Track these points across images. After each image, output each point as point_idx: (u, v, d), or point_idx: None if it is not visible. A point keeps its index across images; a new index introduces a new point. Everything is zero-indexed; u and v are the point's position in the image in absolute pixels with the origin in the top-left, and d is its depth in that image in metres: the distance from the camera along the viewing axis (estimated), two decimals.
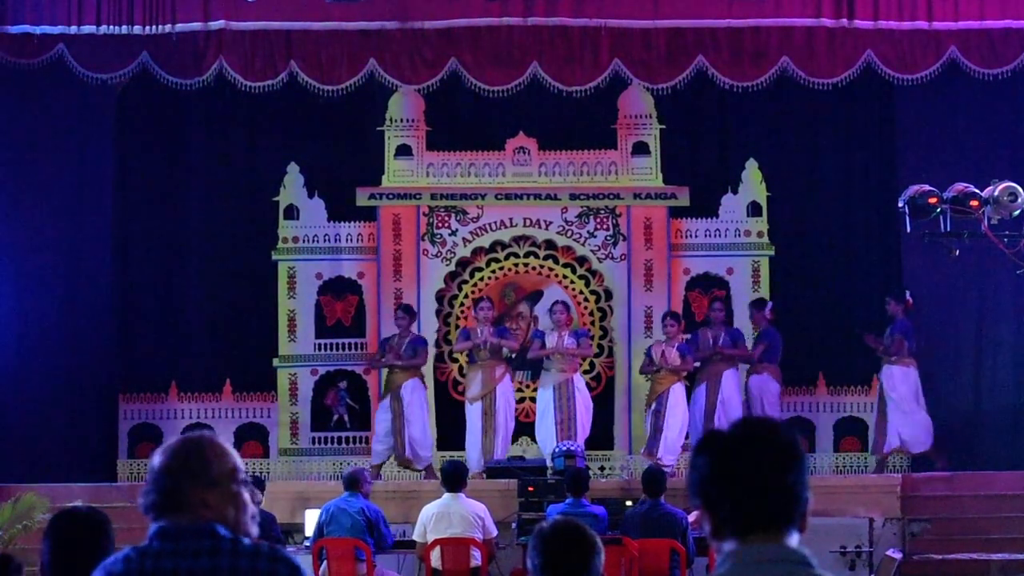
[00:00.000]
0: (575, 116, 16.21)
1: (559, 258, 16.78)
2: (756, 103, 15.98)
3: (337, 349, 16.54)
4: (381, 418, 15.51)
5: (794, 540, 2.89)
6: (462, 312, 16.56)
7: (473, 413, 15.38)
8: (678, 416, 15.24)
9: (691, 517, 11.61)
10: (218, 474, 3.32)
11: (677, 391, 15.27)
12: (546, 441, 15.16)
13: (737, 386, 15.61)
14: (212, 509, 3.30)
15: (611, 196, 16.73)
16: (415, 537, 12.07)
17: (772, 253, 16.71)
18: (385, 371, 15.63)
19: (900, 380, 15.38)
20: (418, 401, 15.50)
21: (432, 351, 16.55)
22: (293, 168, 16.65)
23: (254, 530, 3.39)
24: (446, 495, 12.06)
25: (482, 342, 15.35)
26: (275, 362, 16.64)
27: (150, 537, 3.32)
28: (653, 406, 15.25)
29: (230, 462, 3.35)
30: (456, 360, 16.54)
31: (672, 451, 15.22)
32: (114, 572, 3.32)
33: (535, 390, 15.74)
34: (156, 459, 3.35)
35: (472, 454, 15.25)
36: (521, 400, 16.31)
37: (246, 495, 3.36)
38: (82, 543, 4.58)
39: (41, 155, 15.47)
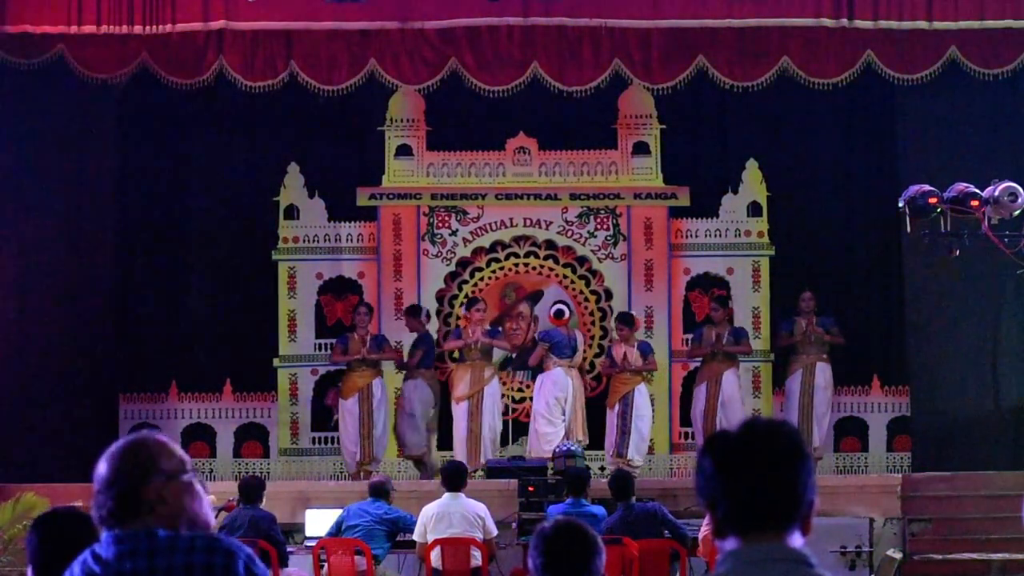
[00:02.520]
0: (575, 116, 16.20)
1: (559, 258, 16.78)
2: (756, 103, 15.95)
3: None
4: (350, 422, 15.49)
5: (795, 540, 2.89)
6: (462, 312, 16.54)
7: (459, 413, 15.36)
8: (645, 418, 15.23)
9: (704, 523, 11.58)
10: (169, 468, 3.32)
11: (642, 391, 15.26)
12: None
13: (738, 386, 15.61)
14: (169, 504, 3.30)
15: (611, 196, 16.73)
16: (415, 537, 12.06)
17: (772, 253, 16.71)
18: (346, 372, 15.63)
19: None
20: (385, 400, 15.54)
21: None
22: (293, 168, 16.66)
23: (212, 519, 3.41)
24: (446, 495, 12.06)
25: (473, 342, 15.33)
26: (275, 362, 16.64)
27: (104, 544, 3.32)
28: (617, 407, 15.20)
29: (177, 456, 3.36)
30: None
31: (640, 452, 15.20)
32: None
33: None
34: (103, 466, 3.32)
35: (458, 455, 15.20)
36: (521, 400, 16.31)
37: (199, 486, 3.37)
38: (72, 543, 4.56)
39: (41, 155, 15.45)
